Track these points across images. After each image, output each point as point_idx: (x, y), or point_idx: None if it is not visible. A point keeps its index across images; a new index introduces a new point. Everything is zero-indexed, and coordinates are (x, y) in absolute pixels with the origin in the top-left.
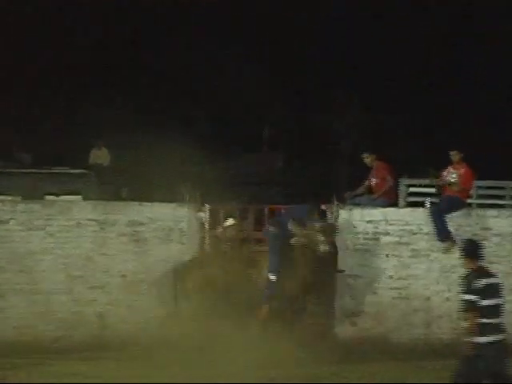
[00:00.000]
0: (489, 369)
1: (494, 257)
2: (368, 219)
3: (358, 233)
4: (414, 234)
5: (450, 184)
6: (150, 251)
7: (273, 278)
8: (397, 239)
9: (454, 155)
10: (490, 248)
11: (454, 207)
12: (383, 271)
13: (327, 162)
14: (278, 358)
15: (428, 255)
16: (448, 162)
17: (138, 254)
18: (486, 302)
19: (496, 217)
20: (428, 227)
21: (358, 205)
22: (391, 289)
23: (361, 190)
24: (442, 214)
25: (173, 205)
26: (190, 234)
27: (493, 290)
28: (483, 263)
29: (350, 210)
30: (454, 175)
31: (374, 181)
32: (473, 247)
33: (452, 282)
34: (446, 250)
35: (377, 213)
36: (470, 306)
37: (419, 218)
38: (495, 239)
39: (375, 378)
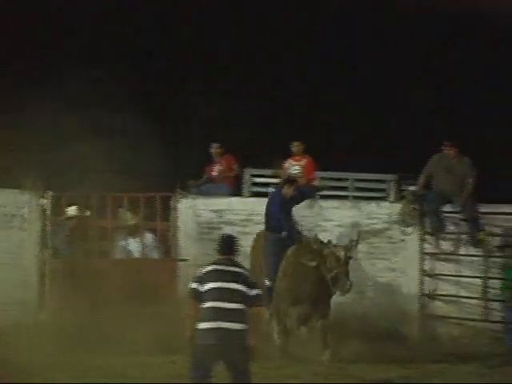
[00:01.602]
0: (212, 356)
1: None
2: (212, 208)
3: (201, 222)
4: (258, 223)
5: (296, 177)
6: None
7: (268, 283)
8: (241, 229)
9: (297, 146)
10: (332, 239)
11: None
12: None
13: (172, 150)
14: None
15: None
16: (289, 153)
17: None
18: (205, 288)
19: (338, 208)
20: None
21: (202, 193)
22: None
23: (205, 179)
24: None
25: (14, 191)
26: (32, 220)
27: (216, 276)
28: (232, 257)
29: (194, 198)
30: (296, 167)
31: (217, 171)
32: (223, 242)
33: None
34: None
35: (221, 202)
36: (191, 293)
37: (263, 207)
38: (337, 230)
39: None
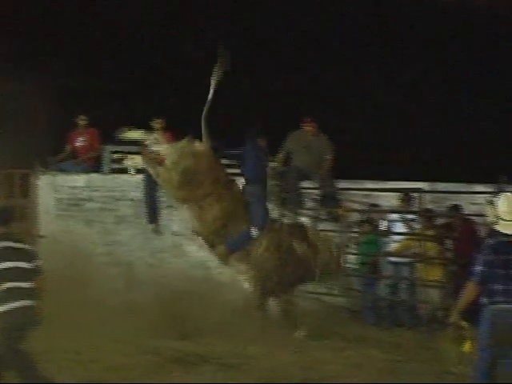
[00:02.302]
0: (22, 335)
1: None
2: (72, 185)
3: (61, 198)
4: (118, 200)
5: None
6: None
7: (255, 233)
8: (100, 205)
9: (157, 123)
10: None
11: None
12: (87, 237)
13: (31, 126)
14: None
15: (132, 221)
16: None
17: None
18: None
19: None
20: (132, 194)
21: (62, 170)
22: (95, 255)
23: (65, 154)
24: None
25: None
26: None
27: (6, 255)
28: (10, 230)
29: (54, 175)
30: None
31: (80, 142)
32: (2, 214)
33: (154, 249)
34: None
35: (81, 179)
36: None
37: (123, 184)
38: None
39: None
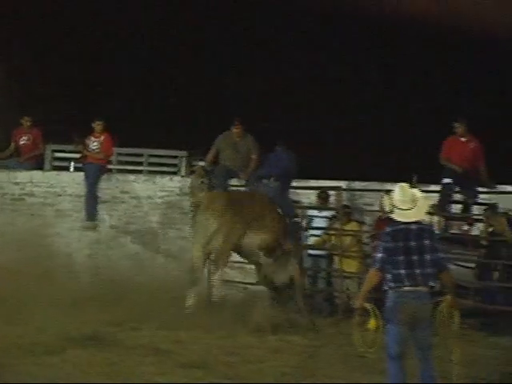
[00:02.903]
0: None
1: (132, 218)
2: (15, 181)
3: (5, 194)
4: (59, 195)
5: (95, 152)
6: None
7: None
8: (42, 200)
9: (98, 125)
10: (128, 210)
11: (100, 175)
12: (29, 230)
13: None
14: None
15: (71, 215)
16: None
17: None
18: None
19: (134, 181)
20: (71, 189)
21: (5, 167)
22: (37, 246)
23: (8, 151)
24: (94, 187)
25: None
26: None
27: None
28: None
29: None
30: (95, 143)
31: (24, 141)
32: None
33: (91, 241)
34: (90, 229)
35: (23, 175)
36: None
37: (64, 180)
38: (133, 201)
39: None
